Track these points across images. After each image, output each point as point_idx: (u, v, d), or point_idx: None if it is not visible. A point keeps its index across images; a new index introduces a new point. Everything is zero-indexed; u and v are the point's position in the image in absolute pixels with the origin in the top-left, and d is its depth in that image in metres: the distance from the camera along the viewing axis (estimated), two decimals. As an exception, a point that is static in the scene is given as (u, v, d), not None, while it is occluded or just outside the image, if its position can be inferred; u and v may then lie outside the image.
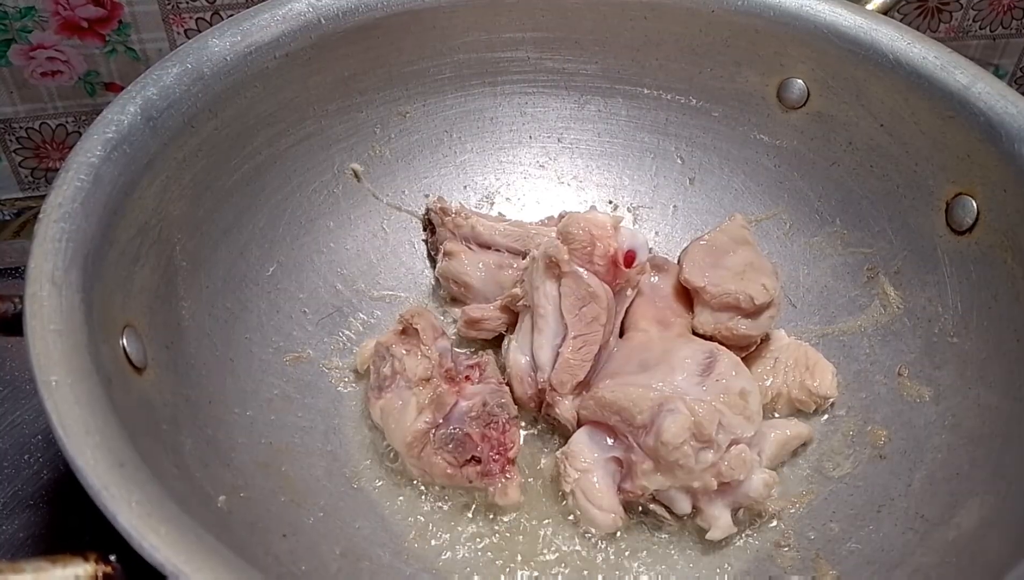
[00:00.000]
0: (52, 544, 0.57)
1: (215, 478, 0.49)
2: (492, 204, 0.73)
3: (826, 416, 0.62)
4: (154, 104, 0.54)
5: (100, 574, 0.38)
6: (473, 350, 0.64)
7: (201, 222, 0.58)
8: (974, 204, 0.59)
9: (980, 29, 0.93)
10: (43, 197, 0.47)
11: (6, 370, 0.67)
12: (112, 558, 0.38)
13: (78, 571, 0.38)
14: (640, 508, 0.56)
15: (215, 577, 0.36)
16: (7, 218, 0.89)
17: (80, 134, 0.74)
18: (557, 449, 0.58)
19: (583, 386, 0.58)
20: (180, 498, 0.40)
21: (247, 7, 0.61)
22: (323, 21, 0.62)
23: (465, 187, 0.72)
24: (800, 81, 0.67)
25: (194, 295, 0.56)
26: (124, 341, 0.47)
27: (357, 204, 0.68)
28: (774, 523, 0.57)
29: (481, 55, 0.69)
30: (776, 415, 0.62)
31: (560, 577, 0.54)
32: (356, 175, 0.68)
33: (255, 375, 0.58)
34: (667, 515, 0.56)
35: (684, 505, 0.54)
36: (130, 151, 0.51)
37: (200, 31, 0.70)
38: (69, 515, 0.59)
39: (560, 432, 0.60)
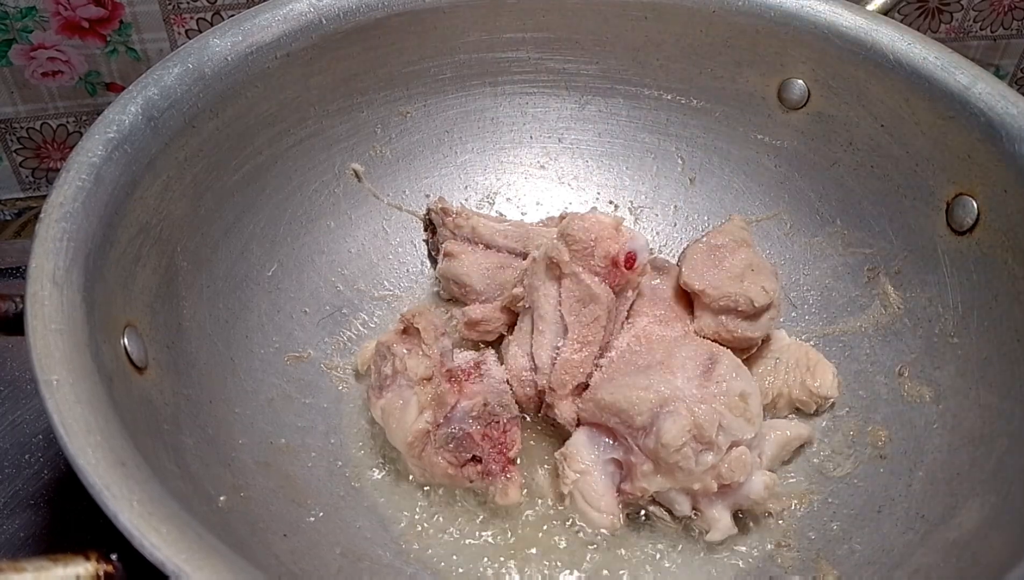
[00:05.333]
0: (52, 544, 0.57)
1: (216, 478, 0.49)
2: (493, 204, 0.73)
3: (827, 416, 0.62)
4: (155, 104, 0.54)
5: (101, 573, 0.38)
6: (474, 349, 0.64)
7: (202, 222, 0.58)
8: (974, 204, 0.59)
9: (981, 30, 0.93)
10: (44, 197, 0.47)
11: (7, 370, 0.67)
12: (113, 557, 0.38)
13: (79, 570, 0.38)
14: (640, 510, 0.56)
15: (216, 576, 0.36)
16: (8, 218, 0.89)
17: (81, 134, 0.74)
18: (557, 450, 0.58)
19: (583, 387, 0.58)
20: (181, 497, 0.40)
21: (248, 7, 0.61)
22: (324, 21, 0.62)
23: (466, 187, 0.72)
24: (801, 81, 0.67)
25: (195, 295, 0.56)
26: (125, 340, 0.47)
27: (358, 204, 0.68)
28: (775, 523, 0.56)
29: (482, 55, 0.69)
30: (776, 415, 0.62)
31: (559, 578, 0.54)
32: (357, 175, 0.68)
33: (256, 375, 0.58)
34: (667, 517, 0.56)
35: (684, 507, 0.54)
36: (131, 151, 0.51)
37: (201, 31, 0.70)
38: (69, 515, 0.59)
39: (560, 433, 0.60)
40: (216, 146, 0.58)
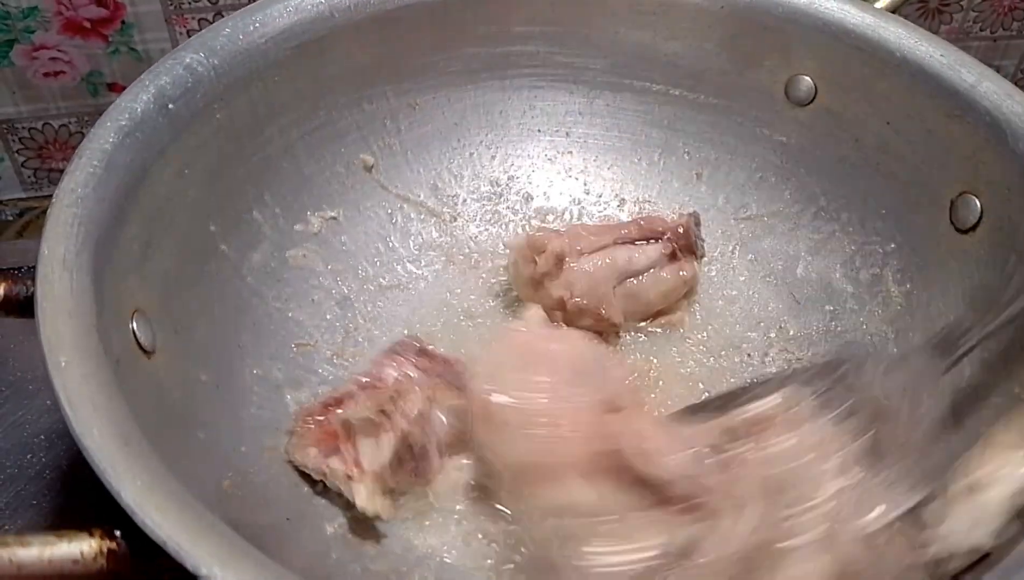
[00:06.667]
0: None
1: (221, 461, 0.50)
2: (500, 197, 0.73)
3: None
4: (167, 93, 0.54)
5: (105, 549, 0.38)
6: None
7: (213, 211, 0.58)
8: (978, 203, 0.59)
9: (981, 31, 0.93)
10: (46, 197, 0.47)
11: (9, 371, 0.66)
12: (117, 534, 0.38)
13: (83, 546, 0.38)
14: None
15: (215, 553, 0.35)
16: (9, 218, 0.89)
17: (83, 135, 0.74)
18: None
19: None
20: (185, 478, 0.39)
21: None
22: (335, 14, 0.62)
23: (474, 179, 0.72)
24: (808, 78, 0.67)
25: (204, 281, 0.56)
26: (134, 324, 0.47)
27: (367, 195, 0.68)
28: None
29: (491, 49, 0.69)
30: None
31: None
32: (366, 166, 0.68)
33: (264, 362, 0.58)
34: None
35: None
36: (143, 138, 0.51)
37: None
38: (72, 515, 0.58)
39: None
40: (227, 135, 0.58)
